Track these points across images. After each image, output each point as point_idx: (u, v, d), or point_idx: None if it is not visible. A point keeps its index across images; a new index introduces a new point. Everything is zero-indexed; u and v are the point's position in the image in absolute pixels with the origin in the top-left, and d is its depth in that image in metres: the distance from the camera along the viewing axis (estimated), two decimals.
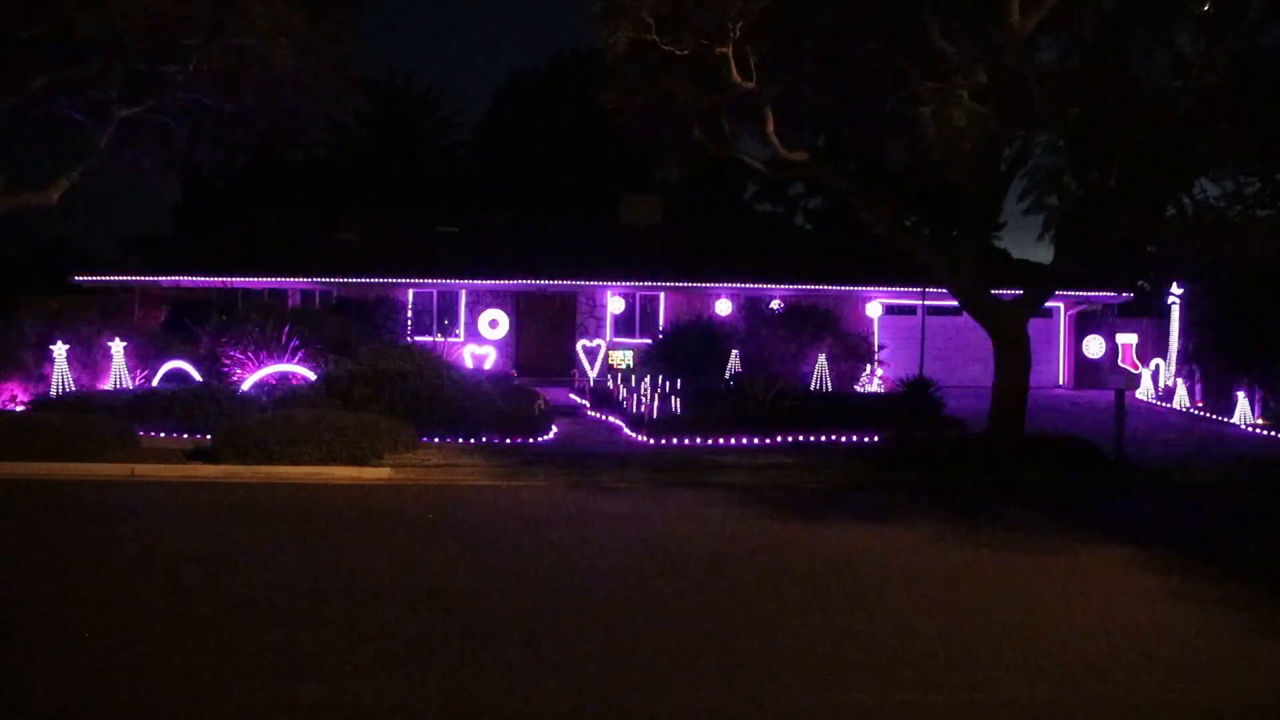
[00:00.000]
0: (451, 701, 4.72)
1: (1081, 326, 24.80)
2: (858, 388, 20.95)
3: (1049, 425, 15.17)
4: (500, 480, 11.49)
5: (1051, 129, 12.83)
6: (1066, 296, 23.16)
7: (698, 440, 14.19)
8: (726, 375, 19.26)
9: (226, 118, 16.57)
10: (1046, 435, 13.61)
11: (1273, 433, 16.64)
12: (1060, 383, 24.48)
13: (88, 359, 17.16)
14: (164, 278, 22.93)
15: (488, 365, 22.48)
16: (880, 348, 22.63)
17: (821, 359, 20.48)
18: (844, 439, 14.79)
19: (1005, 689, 5.00)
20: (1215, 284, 20.32)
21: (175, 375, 16.96)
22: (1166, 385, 21.44)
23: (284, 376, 15.74)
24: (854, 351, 21.38)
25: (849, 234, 28.47)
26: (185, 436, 13.70)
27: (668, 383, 16.67)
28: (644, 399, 16.04)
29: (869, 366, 21.60)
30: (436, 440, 13.73)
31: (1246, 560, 8.27)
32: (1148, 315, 25.31)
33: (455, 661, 5.27)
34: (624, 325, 24.13)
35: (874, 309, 23.73)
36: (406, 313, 23.33)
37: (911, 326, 23.49)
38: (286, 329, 16.77)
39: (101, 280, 23.14)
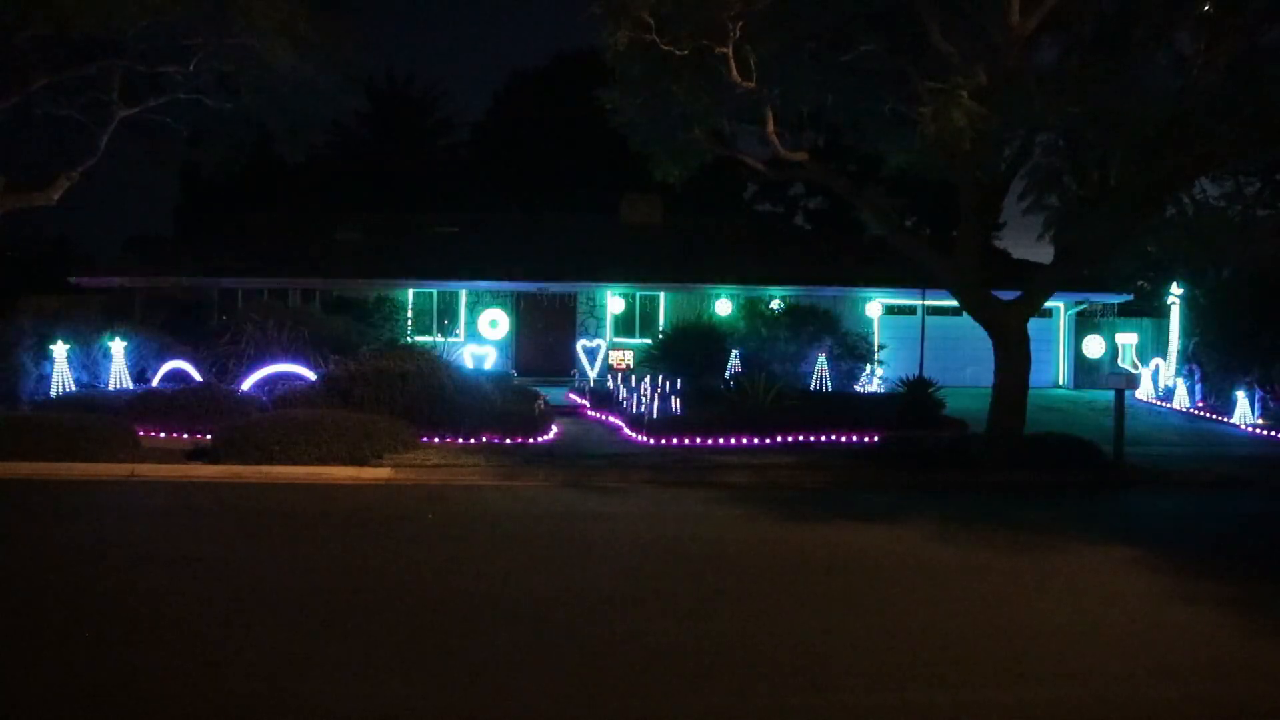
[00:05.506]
0: (449, 703, 4.72)
1: (1081, 326, 24.80)
2: (858, 387, 20.95)
3: (1049, 425, 15.17)
4: (500, 480, 11.49)
5: (1051, 129, 12.81)
6: (1066, 296, 23.19)
7: (698, 440, 14.19)
8: (726, 375, 19.25)
9: (226, 118, 16.57)
10: (1046, 435, 13.61)
11: (1272, 433, 16.65)
12: (1060, 382, 24.50)
13: (88, 359, 17.14)
14: (164, 278, 22.90)
15: (488, 365, 22.45)
16: (880, 347, 22.64)
17: (821, 359, 20.48)
18: (844, 439, 14.81)
19: (1005, 689, 5.00)
20: (1215, 284, 20.34)
21: (175, 375, 16.93)
22: (1166, 385, 21.44)
23: (284, 376, 15.72)
24: (854, 351, 21.38)
25: (849, 234, 28.53)
26: (185, 436, 13.70)
27: (668, 383, 16.68)
28: (644, 399, 16.04)
29: (869, 366, 21.61)
30: (436, 440, 13.73)
31: (1247, 561, 8.28)
32: (1148, 315, 25.32)
33: (454, 662, 5.27)
34: (624, 325, 24.13)
35: (874, 309, 23.74)
36: (406, 313, 23.34)
37: (911, 326, 23.47)
38: (286, 329, 16.75)
39: (101, 280, 23.12)
